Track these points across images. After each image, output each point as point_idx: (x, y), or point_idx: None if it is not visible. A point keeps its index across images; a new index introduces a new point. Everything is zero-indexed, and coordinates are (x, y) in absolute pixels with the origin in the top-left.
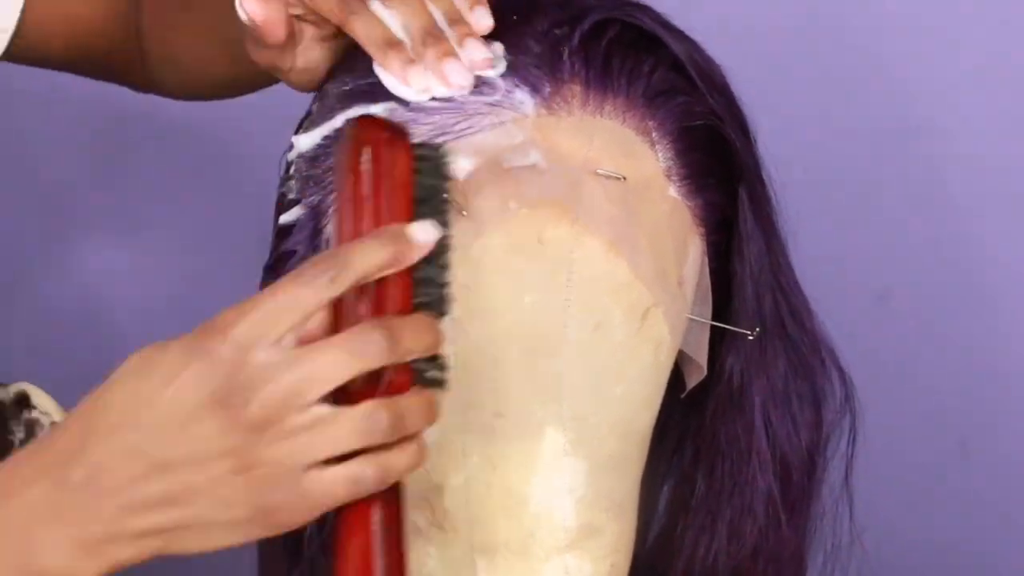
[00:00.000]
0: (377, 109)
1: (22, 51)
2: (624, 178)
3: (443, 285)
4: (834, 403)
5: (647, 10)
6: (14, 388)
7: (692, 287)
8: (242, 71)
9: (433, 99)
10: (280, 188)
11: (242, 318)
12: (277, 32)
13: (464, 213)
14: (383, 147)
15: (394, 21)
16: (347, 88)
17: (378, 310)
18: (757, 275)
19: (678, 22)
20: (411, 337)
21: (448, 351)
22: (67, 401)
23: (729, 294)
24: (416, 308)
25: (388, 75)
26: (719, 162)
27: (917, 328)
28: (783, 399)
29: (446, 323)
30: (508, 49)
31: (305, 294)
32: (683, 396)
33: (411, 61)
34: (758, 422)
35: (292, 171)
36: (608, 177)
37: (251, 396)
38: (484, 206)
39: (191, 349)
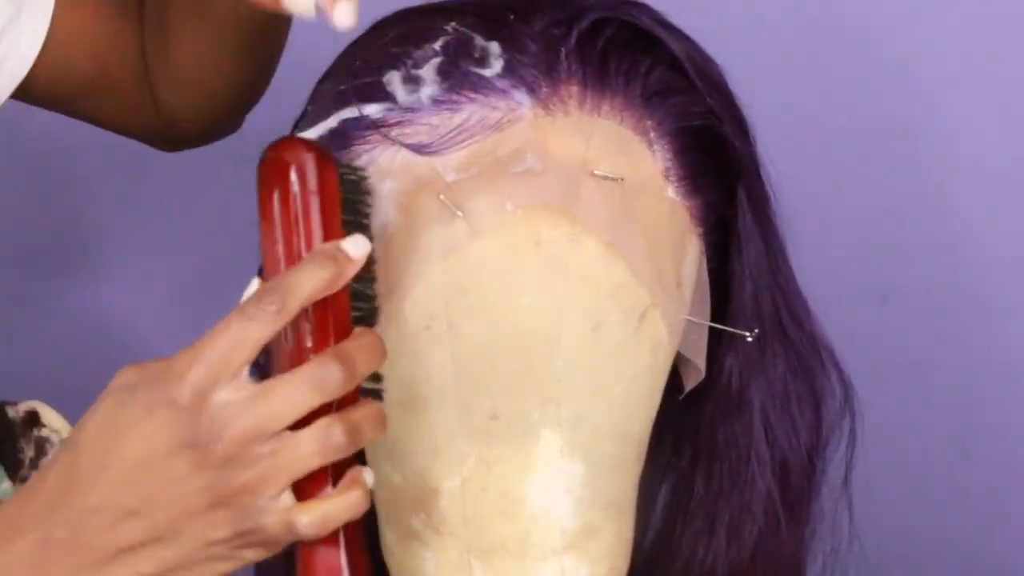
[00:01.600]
0: (371, 110)
1: (46, 75)
2: (622, 179)
3: (373, 298)
4: (833, 404)
5: (645, 9)
6: (23, 406)
7: (690, 288)
8: (230, 45)
9: (429, 100)
10: None
11: (197, 361)
12: None
13: (460, 214)
14: (309, 166)
15: None
16: (342, 88)
17: (321, 329)
18: (756, 275)
19: (676, 21)
20: (364, 361)
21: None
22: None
23: (728, 295)
24: (354, 323)
25: None
26: (717, 162)
27: (917, 329)
28: (782, 400)
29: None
30: (505, 48)
31: (254, 328)
32: (681, 397)
33: None
34: (757, 423)
35: None
36: (605, 178)
37: (218, 435)
38: (480, 207)
39: (153, 400)
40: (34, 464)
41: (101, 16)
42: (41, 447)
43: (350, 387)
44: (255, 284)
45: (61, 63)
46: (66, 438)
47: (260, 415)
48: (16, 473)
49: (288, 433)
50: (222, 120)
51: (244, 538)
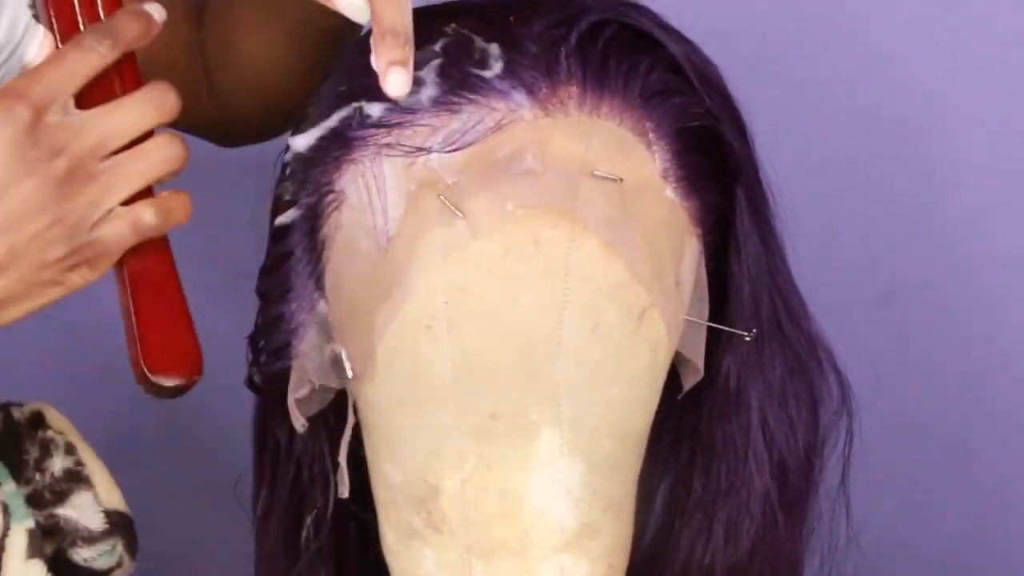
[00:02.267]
0: (373, 110)
1: None
2: (621, 179)
3: None
4: (831, 404)
5: (644, 11)
6: (28, 408)
7: (689, 288)
8: (303, 48)
9: (429, 101)
10: (276, 189)
11: (36, 83)
12: None
13: (460, 215)
14: None
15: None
16: (342, 89)
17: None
18: (754, 276)
19: (675, 23)
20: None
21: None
22: (78, 419)
23: (726, 295)
24: None
25: (374, 57)
26: (716, 163)
27: (916, 329)
28: (780, 400)
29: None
30: (505, 50)
31: (90, 59)
32: (680, 397)
33: (402, 62)
34: (755, 423)
35: (288, 172)
36: (605, 179)
37: (58, 152)
38: (481, 208)
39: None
40: (38, 465)
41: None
42: (46, 448)
43: (176, 110)
44: (42, 32)
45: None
46: None
47: (99, 134)
48: (21, 474)
49: (123, 153)
50: (281, 113)
51: (78, 255)
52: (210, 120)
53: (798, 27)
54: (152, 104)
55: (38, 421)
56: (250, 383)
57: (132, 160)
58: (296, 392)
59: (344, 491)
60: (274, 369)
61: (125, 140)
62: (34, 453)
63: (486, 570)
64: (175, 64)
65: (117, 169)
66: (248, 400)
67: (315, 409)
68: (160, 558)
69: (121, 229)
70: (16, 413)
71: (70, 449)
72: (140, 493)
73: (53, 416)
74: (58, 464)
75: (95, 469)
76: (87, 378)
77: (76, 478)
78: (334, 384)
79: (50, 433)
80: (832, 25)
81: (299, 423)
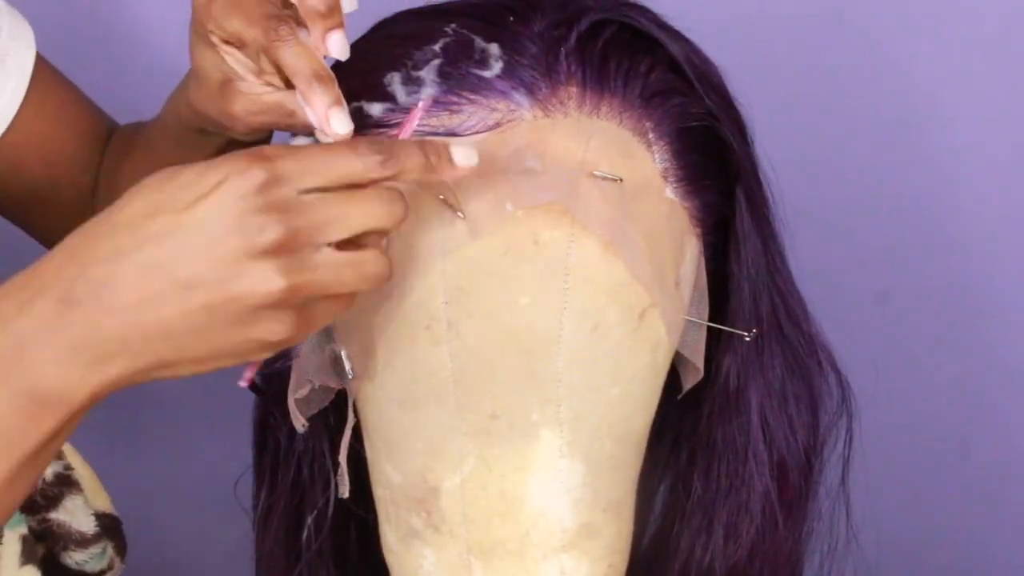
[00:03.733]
0: (373, 109)
1: None
2: (621, 179)
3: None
4: (831, 404)
5: (644, 11)
6: None
7: (689, 288)
8: None
9: (429, 100)
10: None
11: (289, 157)
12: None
13: (460, 215)
14: None
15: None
16: (342, 88)
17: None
18: (754, 276)
19: (675, 23)
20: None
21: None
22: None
23: (726, 295)
24: None
25: (310, 110)
26: (716, 163)
27: (916, 329)
28: (780, 400)
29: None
30: (505, 50)
31: (354, 165)
32: (680, 397)
33: (338, 101)
34: (755, 423)
35: None
36: (605, 178)
37: (276, 222)
38: (480, 208)
39: (229, 168)
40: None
41: (67, 127)
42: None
43: (401, 221)
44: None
45: (13, 163)
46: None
47: (327, 218)
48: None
49: (340, 253)
50: None
51: (296, 293)
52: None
53: (798, 27)
54: (383, 206)
55: None
56: (250, 383)
57: (344, 263)
58: (296, 392)
59: (344, 491)
60: (274, 369)
61: (345, 235)
62: None
63: (486, 570)
64: (76, 186)
65: (334, 264)
66: (248, 400)
67: (315, 409)
68: (160, 558)
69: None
70: None
71: (59, 454)
72: (140, 493)
73: None
74: (48, 469)
75: (83, 472)
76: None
77: (67, 482)
78: (334, 384)
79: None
80: (832, 25)
81: (299, 423)
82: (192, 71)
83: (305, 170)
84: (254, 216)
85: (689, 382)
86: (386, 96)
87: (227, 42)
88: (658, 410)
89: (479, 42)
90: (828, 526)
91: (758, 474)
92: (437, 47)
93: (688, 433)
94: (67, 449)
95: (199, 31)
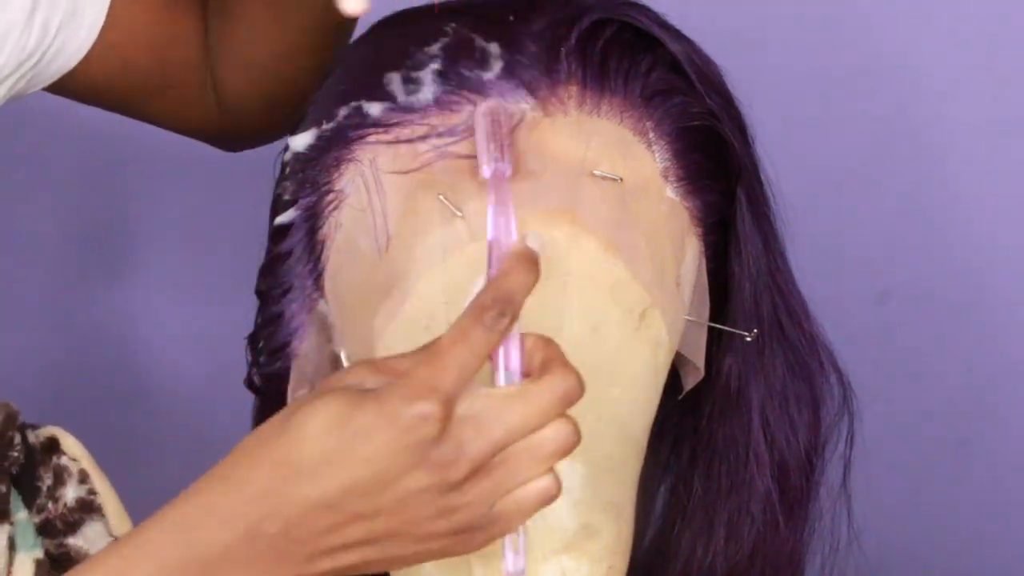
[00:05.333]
0: (372, 109)
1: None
2: (621, 179)
3: None
4: (832, 404)
5: (645, 10)
6: (44, 432)
7: (690, 288)
8: (315, 51)
9: (428, 101)
10: (275, 189)
11: (444, 371)
12: None
13: (460, 215)
14: None
15: None
16: (342, 88)
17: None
18: (755, 276)
19: (675, 22)
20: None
21: None
22: (82, 421)
23: (727, 295)
24: None
25: None
26: (717, 162)
27: (917, 329)
28: (781, 400)
29: None
30: (505, 50)
31: (489, 338)
32: (680, 397)
33: None
34: (756, 423)
35: (287, 172)
36: (605, 178)
37: (461, 455)
38: (480, 208)
39: (387, 412)
40: (51, 494)
41: (160, 8)
42: (60, 476)
43: (578, 399)
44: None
45: (118, 58)
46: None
47: (507, 428)
48: (33, 502)
49: (518, 444)
50: (287, 114)
51: (457, 540)
52: (215, 123)
53: (798, 27)
54: (558, 397)
55: (53, 446)
56: (250, 383)
57: (528, 454)
58: (296, 392)
59: None
60: (274, 369)
61: (526, 436)
62: (48, 480)
63: (485, 570)
64: (188, 63)
65: (512, 464)
66: (248, 400)
67: None
68: None
69: (519, 507)
70: (31, 437)
71: (83, 477)
72: (140, 493)
73: (69, 443)
74: (71, 493)
75: (108, 498)
76: (88, 378)
77: (89, 508)
78: None
79: (64, 460)
80: (832, 25)
81: None
82: None
83: (461, 373)
84: (437, 454)
85: (690, 382)
86: (385, 96)
87: None
88: (658, 410)
89: (479, 41)
90: (829, 527)
91: (759, 474)
92: (437, 47)
93: (689, 433)
94: (94, 473)
95: None
